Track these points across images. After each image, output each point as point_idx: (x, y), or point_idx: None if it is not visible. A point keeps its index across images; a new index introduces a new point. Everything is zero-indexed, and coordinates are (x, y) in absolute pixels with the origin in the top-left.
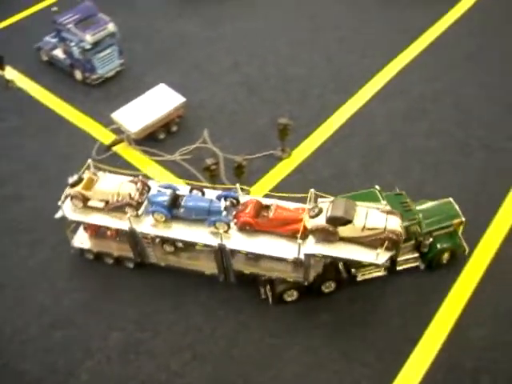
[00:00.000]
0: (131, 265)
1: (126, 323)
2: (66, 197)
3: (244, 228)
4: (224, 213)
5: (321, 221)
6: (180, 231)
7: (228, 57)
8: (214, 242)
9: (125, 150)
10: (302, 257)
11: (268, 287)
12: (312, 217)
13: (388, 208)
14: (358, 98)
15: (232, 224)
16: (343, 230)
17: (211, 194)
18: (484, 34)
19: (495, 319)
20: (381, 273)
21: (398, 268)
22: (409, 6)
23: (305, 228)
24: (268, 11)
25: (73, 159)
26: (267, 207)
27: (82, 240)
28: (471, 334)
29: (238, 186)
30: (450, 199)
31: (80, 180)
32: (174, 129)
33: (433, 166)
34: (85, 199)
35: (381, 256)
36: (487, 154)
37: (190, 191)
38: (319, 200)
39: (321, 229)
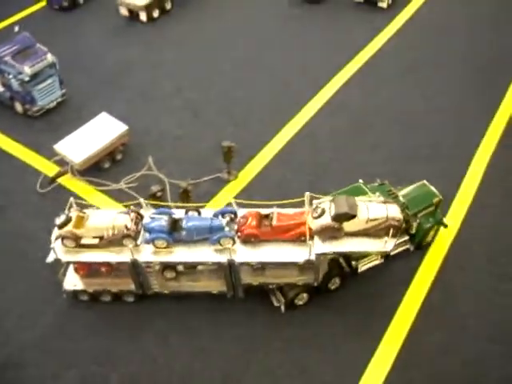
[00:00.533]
0: (131, 298)
1: (81, 359)
2: (57, 238)
3: (249, 240)
4: (226, 228)
5: (326, 220)
6: (184, 254)
7: (171, 82)
8: (223, 258)
9: (69, 182)
10: (312, 257)
11: (279, 294)
12: (315, 218)
13: (382, 198)
14: (300, 116)
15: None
16: (348, 225)
17: (207, 212)
18: (419, 48)
19: (448, 324)
20: (378, 261)
21: (392, 253)
22: (348, 23)
23: (309, 230)
24: (211, 35)
25: (16, 193)
26: (267, 216)
27: (74, 282)
28: (425, 341)
29: (233, 200)
30: (425, 181)
31: (68, 219)
32: (119, 157)
33: (378, 179)
34: (77, 238)
35: (388, 243)
36: (433, 161)
37: (186, 213)
38: (314, 201)
39: (326, 227)
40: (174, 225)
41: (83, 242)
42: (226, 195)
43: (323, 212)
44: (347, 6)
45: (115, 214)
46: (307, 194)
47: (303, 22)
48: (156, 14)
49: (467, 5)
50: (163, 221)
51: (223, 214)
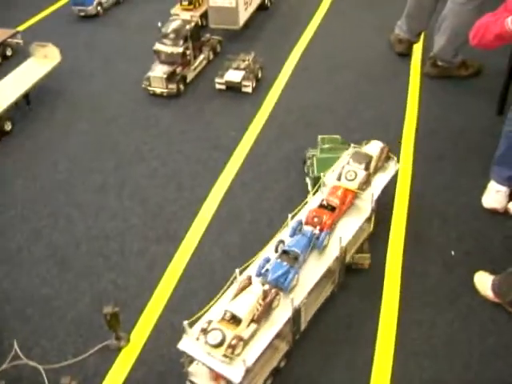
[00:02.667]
0: (284, 362)
1: None
2: (229, 351)
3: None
4: (316, 231)
5: (361, 174)
6: (310, 276)
7: (25, 222)
8: (335, 252)
9: None
10: (374, 205)
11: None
12: (352, 180)
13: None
14: (186, 243)
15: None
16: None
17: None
18: (294, 133)
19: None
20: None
21: None
22: (215, 116)
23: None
24: (62, 155)
25: None
26: (321, 206)
27: None
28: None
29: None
30: (337, 136)
31: (222, 331)
32: None
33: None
34: (241, 338)
35: (396, 163)
36: None
37: (276, 250)
38: (328, 174)
39: (366, 179)
40: (289, 259)
41: (244, 337)
42: (122, 367)
43: (355, 172)
44: (209, 95)
45: (247, 289)
46: (322, 174)
47: (164, 122)
48: None
49: (331, 81)
50: (282, 262)
51: (297, 228)
